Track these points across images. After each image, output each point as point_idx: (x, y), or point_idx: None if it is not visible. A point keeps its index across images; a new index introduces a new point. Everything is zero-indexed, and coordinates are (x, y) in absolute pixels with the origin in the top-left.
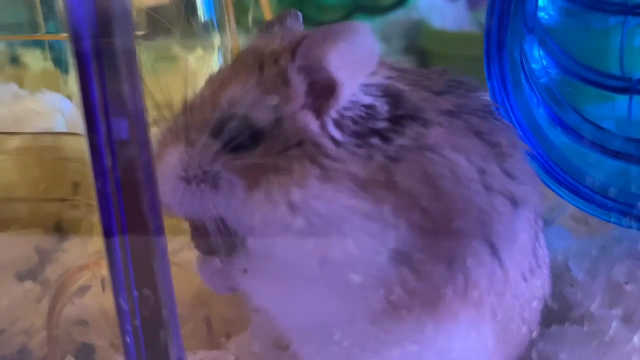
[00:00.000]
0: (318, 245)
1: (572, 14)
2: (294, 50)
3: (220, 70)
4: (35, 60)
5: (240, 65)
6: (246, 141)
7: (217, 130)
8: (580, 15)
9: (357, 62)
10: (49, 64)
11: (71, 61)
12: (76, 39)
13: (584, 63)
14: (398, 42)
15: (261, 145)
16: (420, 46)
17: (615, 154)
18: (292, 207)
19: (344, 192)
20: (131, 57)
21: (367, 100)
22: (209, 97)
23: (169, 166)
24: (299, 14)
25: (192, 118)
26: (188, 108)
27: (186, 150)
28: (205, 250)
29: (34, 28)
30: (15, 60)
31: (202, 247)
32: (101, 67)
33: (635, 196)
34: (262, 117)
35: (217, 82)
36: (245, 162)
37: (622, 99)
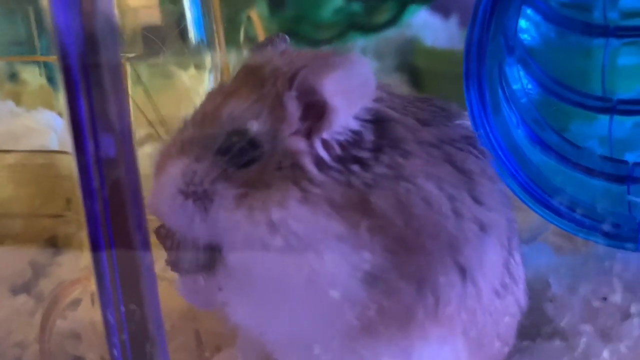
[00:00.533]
0: (294, 264)
1: (554, 35)
2: (291, 79)
3: (221, 86)
4: (34, 77)
5: (241, 81)
6: (245, 158)
7: (218, 146)
8: (563, 36)
9: (353, 91)
10: (45, 81)
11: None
12: (64, 58)
13: (566, 84)
14: (391, 59)
15: (258, 163)
16: (412, 64)
17: (593, 173)
18: (271, 225)
19: (321, 214)
20: (118, 76)
21: (355, 126)
22: (210, 112)
23: (169, 179)
24: (287, 37)
25: (195, 132)
26: (191, 122)
27: (189, 165)
28: (182, 269)
29: (32, 45)
30: (14, 76)
31: (178, 267)
32: (88, 84)
33: (611, 214)
34: (260, 133)
35: (219, 98)
36: (241, 178)
37: (604, 119)
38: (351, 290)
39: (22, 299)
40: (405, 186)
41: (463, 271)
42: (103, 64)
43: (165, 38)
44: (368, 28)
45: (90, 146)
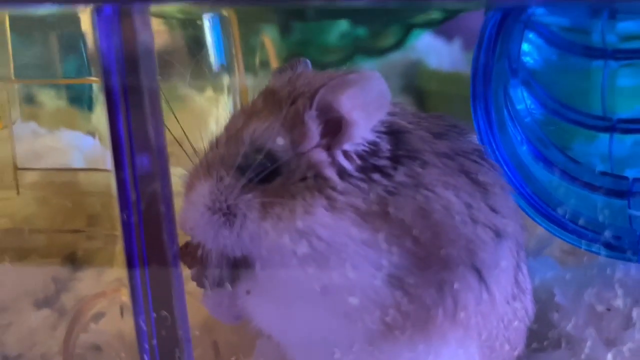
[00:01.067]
0: (321, 269)
1: (555, 58)
2: (311, 98)
3: (242, 109)
4: (50, 99)
5: (261, 104)
6: (266, 173)
7: (241, 165)
8: (564, 59)
9: (369, 105)
10: (63, 103)
11: (98, 99)
12: (107, 80)
13: (568, 104)
14: (396, 82)
15: (279, 177)
16: (417, 86)
17: (596, 189)
18: (299, 233)
19: (347, 221)
20: (155, 98)
21: (372, 137)
22: (233, 134)
23: (198, 197)
24: (308, 62)
25: (220, 153)
26: (216, 144)
27: (216, 184)
28: (208, 285)
29: (52, 69)
30: (30, 99)
31: (204, 283)
32: (127, 104)
33: (614, 228)
34: (282, 151)
35: (241, 120)
36: (265, 193)
37: (604, 137)
38: (376, 293)
39: (45, 312)
40: (425, 194)
41: (479, 274)
42: (142, 86)
43: (185, 61)
44: (373, 52)
45: (127, 163)
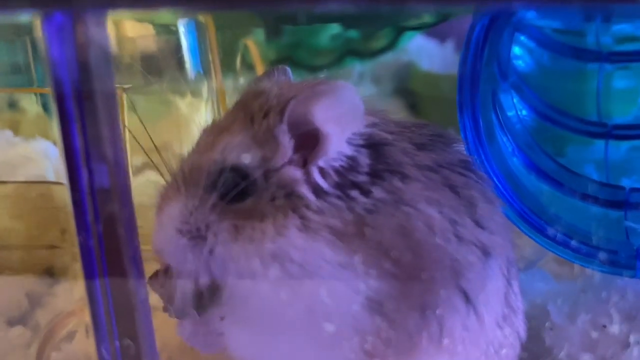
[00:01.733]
0: (295, 293)
1: (548, 61)
2: (281, 112)
3: (213, 123)
4: (32, 105)
5: (232, 118)
6: (238, 192)
7: (212, 183)
8: (557, 62)
9: (342, 117)
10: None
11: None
12: (57, 89)
13: (561, 109)
14: (387, 84)
15: (252, 196)
16: (409, 88)
17: (590, 199)
18: (271, 255)
19: (322, 242)
20: (112, 106)
21: (350, 151)
22: (204, 150)
23: (168, 218)
24: (288, 69)
25: (189, 172)
26: (186, 162)
27: (185, 204)
28: (180, 314)
29: (30, 75)
30: (13, 105)
31: (175, 313)
32: (82, 114)
33: (608, 241)
34: (253, 168)
35: (212, 135)
36: (237, 213)
37: (599, 143)
38: (354, 318)
39: (18, 330)
40: (406, 211)
41: (466, 297)
42: (97, 94)
43: (162, 67)
44: (365, 54)
45: (84, 176)
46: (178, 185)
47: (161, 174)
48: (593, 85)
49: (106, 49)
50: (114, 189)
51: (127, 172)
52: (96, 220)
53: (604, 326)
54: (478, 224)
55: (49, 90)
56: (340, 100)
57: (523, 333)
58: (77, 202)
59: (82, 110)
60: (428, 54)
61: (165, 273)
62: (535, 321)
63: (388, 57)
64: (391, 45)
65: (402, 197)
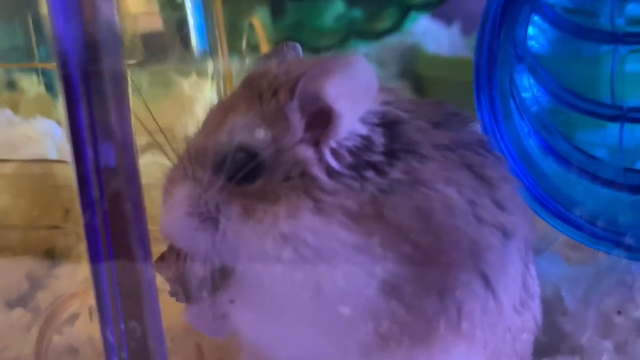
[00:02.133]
0: (308, 277)
1: (562, 42)
2: (292, 89)
3: (220, 103)
4: (32, 85)
5: (240, 97)
6: (248, 173)
7: (220, 164)
8: (571, 43)
9: (355, 94)
10: (43, 89)
11: (59, 87)
12: (63, 65)
13: (575, 91)
14: (393, 66)
15: (262, 177)
16: (414, 71)
17: (606, 183)
18: (284, 238)
19: (336, 224)
20: (120, 84)
21: (364, 130)
22: (211, 131)
23: (176, 202)
24: (298, 45)
25: (197, 153)
26: (193, 142)
27: (193, 187)
28: (190, 298)
29: (30, 53)
30: (12, 84)
31: (187, 297)
32: (89, 94)
33: (625, 225)
34: (262, 148)
35: (219, 115)
36: (247, 194)
37: (613, 127)
38: (369, 302)
39: (18, 313)
40: (424, 191)
41: (486, 280)
42: (104, 72)
43: (166, 45)
44: (369, 35)
45: (89, 155)
46: (185, 168)
47: (166, 155)
48: (607, 68)
49: (114, 25)
50: (120, 168)
51: (134, 151)
52: (102, 198)
53: (619, 312)
54: (498, 205)
55: (54, 66)
56: (353, 76)
57: (539, 318)
58: (82, 179)
59: (89, 87)
60: (434, 36)
61: (173, 256)
62: (549, 306)
63: (393, 39)
64: (396, 27)
65: (419, 178)
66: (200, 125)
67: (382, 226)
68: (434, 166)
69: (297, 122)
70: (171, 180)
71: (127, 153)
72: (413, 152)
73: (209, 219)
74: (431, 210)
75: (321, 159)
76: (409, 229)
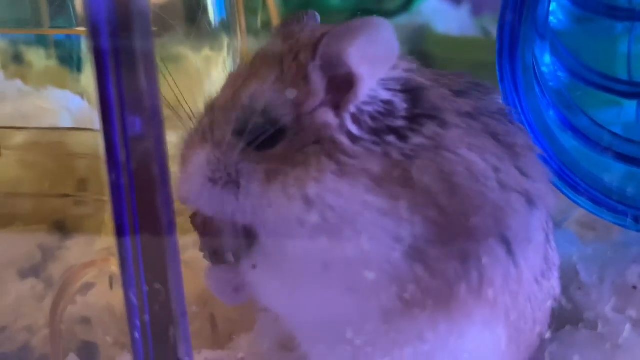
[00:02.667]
0: (332, 240)
1: (580, 19)
2: (314, 48)
3: (240, 68)
4: (39, 59)
5: (260, 63)
6: (268, 138)
7: (240, 129)
8: (589, 20)
9: (377, 57)
10: (52, 62)
11: (85, 58)
12: (95, 35)
13: (592, 67)
14: (402, 46)
15: (282, 142)
16: (424, 51)
17: (623, 158)
18: (308, 201)
19: (360, 187)
20: (149, 55)
21: (386, 95)
22: (231, 96)
23: (196, 167)
24: (317, 14)
25: (216, 118)
26: (212, 108)
27: (213, 152)
28: (216, 259)
29: (39, 24)
30: (18, 58)
31: (212, 257)
32: (119, 64)
33: None
34: (283, 113)
35: (239, 81)
36: (268, 159)
37: (629, 105)
38: (394, 267)
39: (31, 282)
40: (447, 156)
41: (508, 247)
42: (135, 42)
43: (181, 17)
44: (378, 14)
45: (117, 124)
46: (205, 133)
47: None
48: (624, 46)
49: None
50: (148, 135)
51: (162, 121)
52: (128, 161)
53: (634, 287)
54: (522, 172)
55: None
56: (376, 39)
57: (558, 289)
58: (109, 142)
59: (119, 56)
60: (443, 16)
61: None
62: (566, 282)
63: (402, 19)
64: (405, 6)
65: (442, 143)
66: (218, 94)
67: (406, 189)
68: (457, 132)
69: (319, 82)
70: (189, 146)
71: (156, 123)
72: (435, 117)
73: (230, 183)
74: (455, 174)
75: (342, 123)
76: (433, 192)
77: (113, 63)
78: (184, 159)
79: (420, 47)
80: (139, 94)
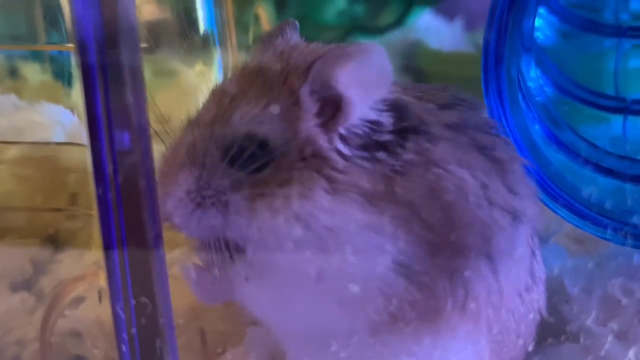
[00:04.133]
0: (323, 257)
1: (567, 35)
2: (306, 73)
3: (225, 86)
4: (34, 73)
5: (247, 81)
6: (258, 163)
7: (228, 151)
8: (576, 36)
9: (369, 82)
10: (48, 77)
11: (75, 73)
12: (83, 51)
13: (580, 83)
14: (395, 62)
15: (272, 163)
16: (417, 66)
17: (609, 172)
18: (299, 219)
19: (351, 204)
20: (137, 71)
21: (372, 115)
22: (216, 115)
23: (180, 189)
24: (297, 23)
25: (201, 136)
26: (195, 125)
27: (200, 174)
28: (206, 262)
29: (34, 40)
30: (14, 72)
31: (203, 259)
32: (106, 80)
33: (628, 213)
34: (273, 136)
35: (225, 99)
36: (256, 182)
37: (616, 119)
38: (381, 281)
39: (22, 296)
40: (437, 172)
41: (493, 263)
42: (122, 56)
43: (173, 33)
44: (371, 30)
45: (105, 139)
46: (189, 152)
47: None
48: (611, 62)
49: (132, 10)
50: (135, 149)
51: (149, 136)
52: (115, 175)
53: (620, 300)
54: (509, 189)
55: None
56: (368, 64)
57: (543, 303)
58: (97, 160)
59: (106, 72)
60: (436, 32)
61: None
62: (553, 296)
63: (395, 35)
64: (398, 22)
65: (432, 158)
66: (201, 110)
67: (396, 206)
68: (446, 146)
69: (310, 107)
70: (172, 163)
71: (143, 138)
72: (422, 131)
73: (216, 204)
74: (444, 191)
75: (332, 143)
76: (421, 208)
77: (101, 79)
78: (167, 179)
79: (414, 62)
80: (126, 109)
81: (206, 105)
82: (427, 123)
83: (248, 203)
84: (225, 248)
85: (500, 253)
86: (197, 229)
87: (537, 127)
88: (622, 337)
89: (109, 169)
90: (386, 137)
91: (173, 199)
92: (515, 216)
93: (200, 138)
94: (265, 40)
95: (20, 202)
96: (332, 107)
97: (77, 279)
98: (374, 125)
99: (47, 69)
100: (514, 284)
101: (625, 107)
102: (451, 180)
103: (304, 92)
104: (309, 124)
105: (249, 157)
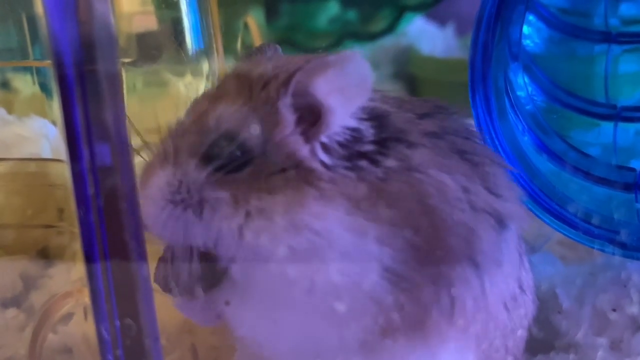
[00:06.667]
0: (310, 267)
1: (556, 42)
2: (285, 84)
3: (205, 94)
4: (26, 85)
5: (227, 88)
6: (235, 162)
7: (205, 152)
8: (565, 43)
9: (349, 90)
10: (38, 89)
11: (54, 87)
12: (59, 65)
13: (569, 90)
14: (387, 68)
15: (250, 167)
16: (409, 72)
17: (600, 181)
18: (291, 227)
19: (336, 212)
20: (115, 84)
21: (352, 123)
22: (196, 119)
23: (156, 189)
24: (278, 47)
25: (179, 140)
26: (175, 130)
27: (174, 173)
28: (186, 293)
29: (25, 53)
30: (5, 84)
31: (177, 292)
32: (84, 93)
33: (619, 223)
34: (250, 138)
35: (204, 105)
36: (234, 183)
37: (607, 126)
38: (370, 288)
39: (12, 312)
40: (418, 177)
41: (478, 269)
42: (100, 71)
43: (161, 45)
44: (364, 37)
45: (85, 155)
46: (166, 154)
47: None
48: (601, 68)
49: (109, 24)
50: (116, 166)
51: (129, 150)
52: (97, 194)
53: (614, 310)
54: (491, 192)
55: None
56: (347, 72)
57: (532, 314)
58: (78, 177)
59: (84, 87)
60: (428, 37)
61: (166, 252)
62: (544, 304)
63: (388, 41)
64: (391, 28)
65: (412, 164)
66: (183, 115)
67: (382, 212)
68: (425, 152)
69: (289, 117)
70: (149, 167)
71: (123, 152)
72: (402, 140)
73: (192, 206)
74: (426, 195)
75: (313, 151)
76: (407, 214)
77: (79, 93)
78: (144, 182)
79: (406, 68)
80: (106, 124)
81: (186, 113)
82: (406, 132)
83: (227, 205)
84: (202, 257)
85: (485, 257)
86: (170, 230)
87: (526, 137)
88: (615, 349)
89: (90, 188)
90: (367, 147)
91: (146, 200)
92: (500, 219)
93: (179, 141)
94: (247, 57)
95: (9, 218)
96: (313, 116)
97: (66, 295)
98: (355, 133)
99: (37, 82)
100: (500, 290)
101: (615, 114)
102: (432, 184)
103: (282, 104)
104: (287, 132)
105: (225, 157)
